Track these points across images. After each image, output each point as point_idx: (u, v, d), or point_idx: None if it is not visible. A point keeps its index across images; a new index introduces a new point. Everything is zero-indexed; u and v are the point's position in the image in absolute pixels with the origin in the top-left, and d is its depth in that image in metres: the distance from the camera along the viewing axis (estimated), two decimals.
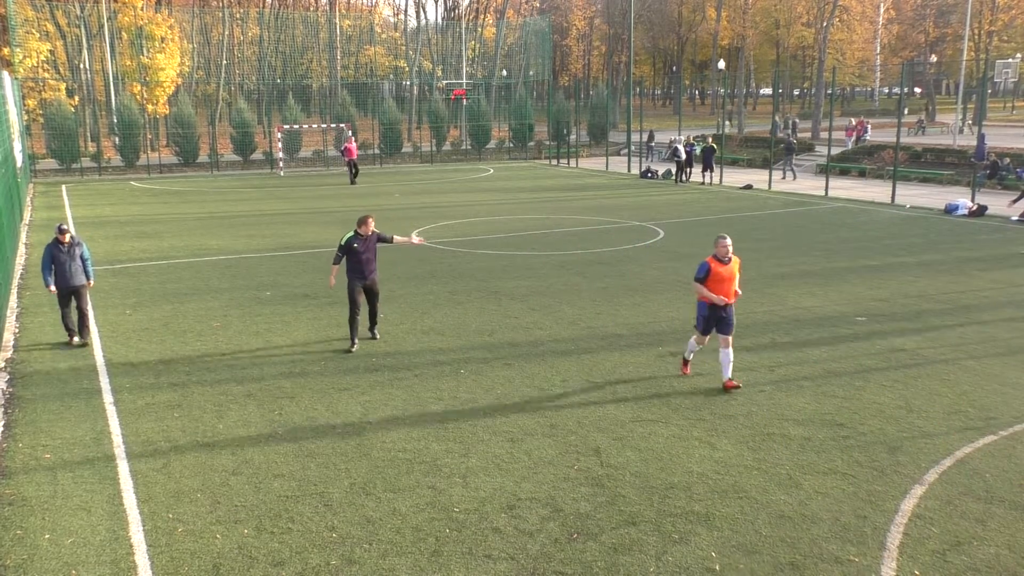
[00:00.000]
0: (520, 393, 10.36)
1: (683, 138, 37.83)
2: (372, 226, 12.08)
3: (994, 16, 62.11)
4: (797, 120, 57.66)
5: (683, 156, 35.51)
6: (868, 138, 44.38)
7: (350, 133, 43.90)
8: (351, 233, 12.04)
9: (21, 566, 6.63)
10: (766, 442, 8.83)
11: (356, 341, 12.15)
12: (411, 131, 59.60)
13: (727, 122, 52.90)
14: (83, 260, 12.59)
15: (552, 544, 6.86)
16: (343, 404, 10.04)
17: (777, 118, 55.73)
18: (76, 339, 12.53)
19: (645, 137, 46.11)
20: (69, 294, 12.48)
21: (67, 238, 12.38)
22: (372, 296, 12.40)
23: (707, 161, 34.96)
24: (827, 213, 26.13)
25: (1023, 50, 63.51)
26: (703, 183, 34.88)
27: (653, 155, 46.79)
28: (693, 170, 36.24)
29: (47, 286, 12.41)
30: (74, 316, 12.68)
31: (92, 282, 12.89)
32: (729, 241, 10.27)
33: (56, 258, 12.37)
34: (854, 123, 46.72)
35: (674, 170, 36.28)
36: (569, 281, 16.62)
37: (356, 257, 11.96)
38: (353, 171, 36.91)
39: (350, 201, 30.78)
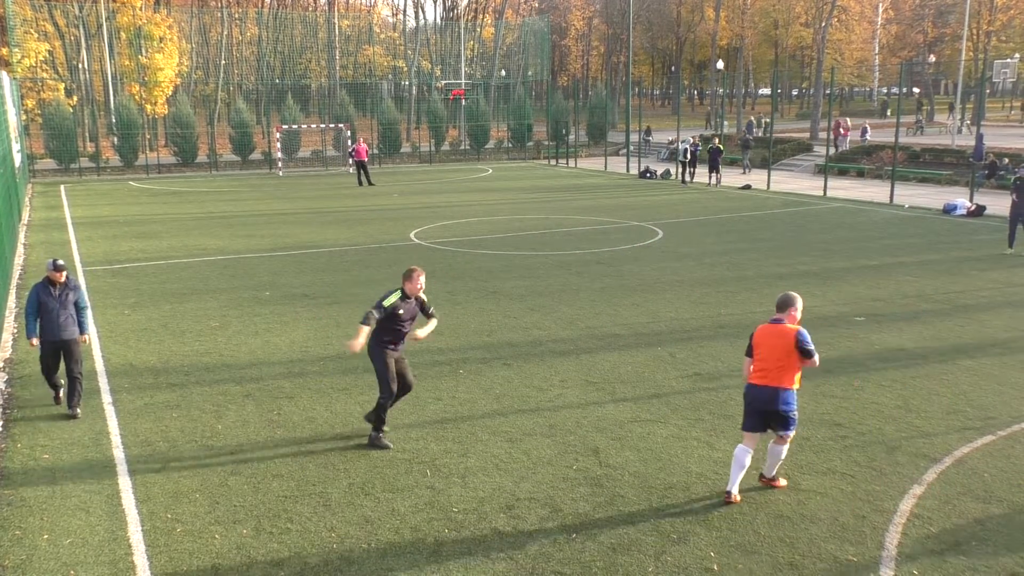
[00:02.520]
0: (519, 393, 10.36)
1: (690, 138, 37.74)
2: (422, 284, 8.88)
3: (992, 16, 62.12)
4: (768, 120, 58.48)
5: (689, 156, 35.40)
6: (869, 138, 44.35)
7: (348, 133, 43.88)
8: (397, 293, 8.75)
9: (20, 566, 6.63)
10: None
11: (385, 432, 9.01)
12: (410, 131, 59.54)
13: (725, 122, 52.96)
14: (78, 308, 9.84)
15: (551, 544, 6.86)
16: (342, 404, 10.04)
17: (752, 118, 56.57)
18: (65, 407, 9.83)
19: (643, 132, 46.26)
20: (56, 350, 9.72)
21: (63, 277, 9.75)
22: (401, 376, 9.06)
23: (713, 162, 34.83)
24: (826, 213, 26.14)
25: (1022, 50, 63.53)
26: (709, 184, 34.81)
27: (649, 149, 47.06)
28: (697, 171, 36.06)
29: (29, 337, 9.71)
30: (61, 378, 9.99)
31: (87, 336, 10.09)
32: (797, 305, 7.58)
33: (44, 304, 9.65)
34: (851, 124, 46.63)
35: (679, 170, 36.17)
36: (568, 281, 16.62)
37: (397, 323, 8.75)
38: (363, 172, 36.60)
39: (349, 201, 30.78)
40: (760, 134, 51.22)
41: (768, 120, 57.61)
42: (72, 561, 6.68)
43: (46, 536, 7.07)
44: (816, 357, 7.44)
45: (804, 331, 7.41)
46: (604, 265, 18.20)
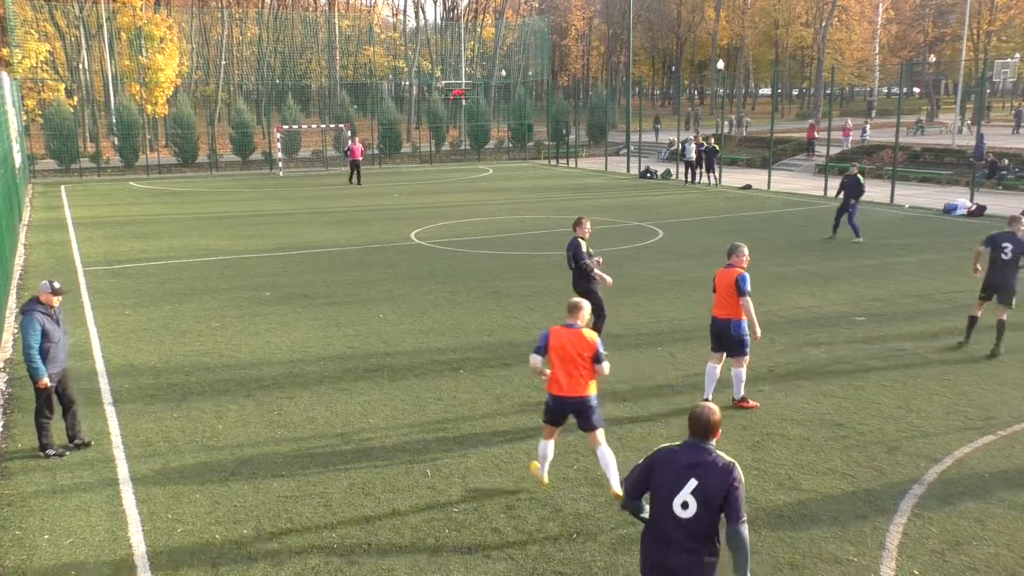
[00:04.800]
0: (519, 393, 10.36)
1: (692, 137, 37.57)
2: (589, 229, 11.79)
3: (993, 16, 62.12)
4: (749, 120, 59.22)
5: (693, 156, 35.29)
6: (868, 137, 44.34)
7: (349, 133, 43.89)
8: (580, 239, 11.59)
9: (20, 567, 6.63)
10: (765, 442, 8.83)
11: None
12: (410, 131, 59.55)
13: (725, 122, 53.08)
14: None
15: (551, 544, 6.86)
16: (342, 404, 10.04)
17: (732, 116, 57.23)
18: (54, 452, 8.59)
19: (653, 122, 46.60)
20: (59, 381, 8.66)
21: (59, 301, 8.68)
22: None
23: (709, 162, 34.77)
24: (826, 213, 26.06)
25: (1022, 50, 63.51)
26: (707, 184, 34.77)
27: (658, 139, 47.62)
28: (701, 171, 35.84)
29: (38, 377, 8.32)
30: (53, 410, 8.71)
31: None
32: (742, 252, 9.61)
33: (48, 333, 8.41)
34: (850, 123, 46.66)
35: (685, 170, 36.06)
36: (569, 281, 16.57)
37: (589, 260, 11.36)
38: (355, 172, 36.76)
39: (349, 201, 30.78)
40: (743, 134, 51.48)
41: (749, 120, 58.08)
42: (72, 561, 6.68)
43: (46, 536, 7.07)
44: (747, 298, 9.06)
45: (746, 275, 9.10)
46: (605, 265, 18.14)
